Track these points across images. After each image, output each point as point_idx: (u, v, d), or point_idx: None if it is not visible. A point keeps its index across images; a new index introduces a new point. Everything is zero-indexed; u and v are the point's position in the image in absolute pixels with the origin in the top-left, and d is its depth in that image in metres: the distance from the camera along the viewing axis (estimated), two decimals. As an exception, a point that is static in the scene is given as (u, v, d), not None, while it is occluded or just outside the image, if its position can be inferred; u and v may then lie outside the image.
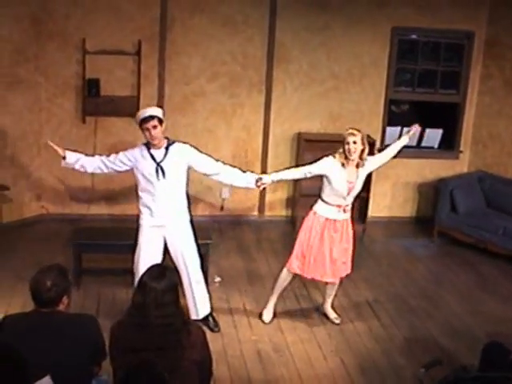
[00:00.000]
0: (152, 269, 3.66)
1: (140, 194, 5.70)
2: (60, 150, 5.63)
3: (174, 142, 5.56)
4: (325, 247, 5.74)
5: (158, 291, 3.47)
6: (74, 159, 5.66)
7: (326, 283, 6.04)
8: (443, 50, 8.63)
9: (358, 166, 5.66)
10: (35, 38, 7.61)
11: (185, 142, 5.68)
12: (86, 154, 5.81)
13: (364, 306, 6.49)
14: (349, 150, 5.54)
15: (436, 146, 9.12)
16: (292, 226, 8.34)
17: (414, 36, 8.61)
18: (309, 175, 5.81)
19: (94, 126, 8.01)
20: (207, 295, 5.87)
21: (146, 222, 5.67)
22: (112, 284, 6.47)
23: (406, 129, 6.08)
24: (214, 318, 5.90)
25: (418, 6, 8.29)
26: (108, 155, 5.70)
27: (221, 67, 8.14)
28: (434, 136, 9.09)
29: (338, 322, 6.11)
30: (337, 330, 6.00)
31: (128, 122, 8.05)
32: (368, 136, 8.41)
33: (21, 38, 7.49)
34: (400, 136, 6.15)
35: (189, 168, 5.61)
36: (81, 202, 8.24)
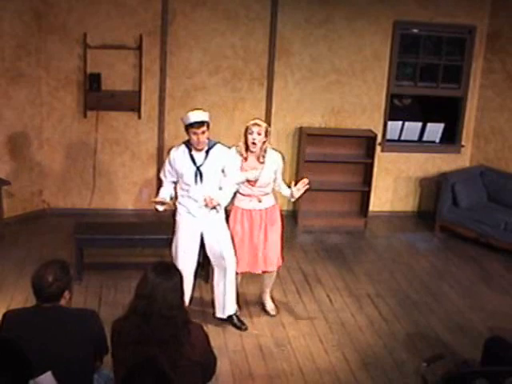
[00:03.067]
0: (160, 266, 3.67)
1: (178, 190, 5.67)
2: (161, 199, 5.56)
3: (214, 144, 5.52)
4: (244, 238, 5.75)
5: (165, 287, 3.49)
6: (168, 198, 5.62)
7: (264, 272, 5.97)
8: (445, 44, 8.61)
9: (258, 158, 5.66)
10: (37, 32, 7.60)
11: (229, 146, 5.67)
12: (158, 188, 5.83)
13: (366, 301, 6.49)
14: (252, 141, 5.57)
15: (438, 140, 9.13)
16: (294, 220, 8.35)
17: (415, 30, 8.59)
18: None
19: (96, 121, 8.00)
20: (235, 295, 5.85)
21: (183, 218, 5.63)
22: (114, 278, 6.47)
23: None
24: (238, 317, 5.87)
25: (419, 0, 8.27)
26: (163, 174, 5.68)
27: (222, 61, 8.13)
28: (435, 130, 9.09)
29: (273, 313, 6.06)
30: (338, 324, 6.00)
31: (129, 117, 8.06)
32: (369, 130, 8.46)
33: (23, 32, 7.48)
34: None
35: (222, 170, 5.56)
36: (82, 196, 8.24)
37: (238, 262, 5.75)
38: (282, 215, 5.99)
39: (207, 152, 5.46)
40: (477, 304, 6.55)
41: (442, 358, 4.51)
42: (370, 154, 8.32)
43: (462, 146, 8.92)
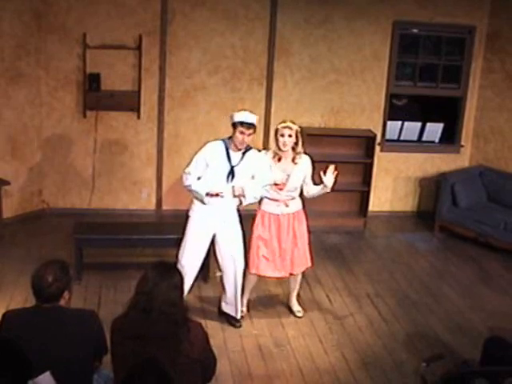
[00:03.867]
0: (160, 265, 3.68)
1: None
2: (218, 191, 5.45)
3: (250, 148, 5.52)
4: (273, 242, 5.75)
5: (165, 286, 3.50)
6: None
7: (291, 275, 5.98)
8: (444, 44, 8.62)
9: (293, 160, 5.67)
10: (36, 32, 7.60)
11: (259, 150, 5.70)
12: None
13: (365, 301, 6.49)
14: (283, 142, 5.56)
15: (437, 140, 9.13)
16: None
17: (415, 30, 8.59)
18: None
19: (95, 121, 8.00)
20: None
21: (197, 214, 5.59)
22: (113, 279, 6.47)
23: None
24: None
25: (419, 0, 8.27)
26: (194, 167, 5.48)
27: (222, 61, 8.13)
28: (435, 130, 9.09)
29: (300, 315, 6.09)
30: (338, 324, 6.00)
31: (129, 117, 8.06)
32: (369, 130, 8.46)
33: (22, 32, 7.48)
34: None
35: (253, 176, 5.55)
36: (82, 196, 8.24)
37: (257, 267, 5.78)
38: (306, 218, 5.97)
39: (244, 153, 5.46)
40: (476, 304, 6.55)
41: (441, 358, 4.51)
42: (370, 153, 8.32)
43: (462, 146, 8.92)
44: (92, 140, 8.08)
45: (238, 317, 5.82)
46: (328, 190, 5.75)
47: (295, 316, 6.08)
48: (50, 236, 7.44)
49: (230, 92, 8.23)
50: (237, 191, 5.44)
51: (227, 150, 5.44)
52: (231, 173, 5.43)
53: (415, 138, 9.14)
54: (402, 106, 9.31)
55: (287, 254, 5.80)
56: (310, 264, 6.04)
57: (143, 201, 8.34)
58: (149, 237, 6.58)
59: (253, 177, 5.53)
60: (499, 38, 8.40)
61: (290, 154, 5.66)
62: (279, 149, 5.62)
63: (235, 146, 5.41)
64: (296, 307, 6.15)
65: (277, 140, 5.62)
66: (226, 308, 5.87)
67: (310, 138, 8.21)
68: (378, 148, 8.50)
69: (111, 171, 8.25)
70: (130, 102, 7.96)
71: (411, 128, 9.15)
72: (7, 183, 7.39)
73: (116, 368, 3.59)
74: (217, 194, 5.43)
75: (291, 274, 5.96)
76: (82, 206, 8.24)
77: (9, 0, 7.29)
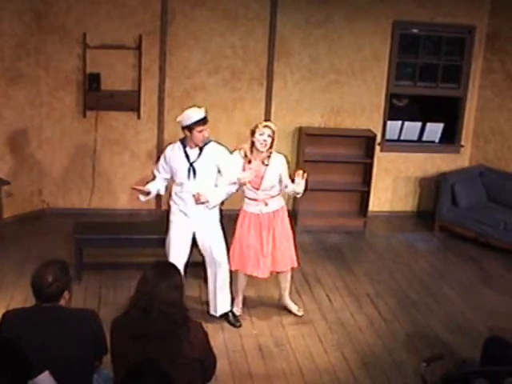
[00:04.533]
0: (160, 264, 3.69)
1: (172, 189, 5.71)
2: (145, 189, 5.63)
3: (209, 142, 5.54)
4: (254, 241, 5.75)
5: (165, 285, 3.51)
6: (154, 191, 5.68)
7: (277, 273, 5.99)
8: (444, 44, 8.60)
9: (263, 162, 5.66)
10: (36, 32, 7.60)
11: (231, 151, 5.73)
12: (147, 182, 5.81)
13: (365, 300, 6.49)
14: (262, 142, 5.57)
15: (437, 140, 9.12)
16: (294, 220, 8.32)
17: (415, 30, 8.59)
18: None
19: (95, 121, 8.00)
20: (230, 294, 5.90)
21: (176, 217, 5.69)
22: (113, 278, 6.48)
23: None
24: (233, 314, 5.92)
25: (419, 0, 8.27)
26: (157, 169, 5.73)
27: (222, 61, 8.13)
28: (435, 130, 9.09)
29: (300, 313, 6.09)
30: (338, 324, 6.00)
31: (129, 117, 8.06)
32: (369, 130, 8.46)
33: (22, 32, 7.47)
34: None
35: (219, 170, 5.59)
36: (82, 196, 8.24)
37: (244, 265, 5.79)
38: (290, 215, 5.97)
39: (201, 149, 5.49)
40: (476, 304, 6.55)
41: (441, 358, 4.50)
42: (370, 153, 8.32)
43: (462, 146, 8.92)
44: (92, 140, 8.07)
45: (217, 315, 5.84)
46: (299, 195, 5.83)
47: (296, 315, 6.07)
48: (50, 236, 7.44)
49: (230, 92, 8.23)
50: (198, 199, 5.48)
51: (184, 148, 5.49)
52: (191, 169, 5.47)
53: (415, 138, 9.13)
54: (402, 106, 9.31)
55: (268, 253, 5.79)
56: (295, 264, 6.02)
57: (143, 201, 8.32)
58: (148, 237, 6.58)
59: (219, 170, 5.55)
60: (499, 38, 8.40)
61: (262, 155, 5.65)
62: (257, 149, 5.61)
63: (194, 143, 5.45)
64: (293, 307, 6.13)
65: (253, 141, 5.60)
66: (209, 308, 5.93)
67: (309, 138, 8.24)
68: (378, 148, 8.50)
69: (111, 171, 8.25)
70: (129, 102, 7.96)
71: (411, 128, 9.15)
72: (7, 183, 7.39)
73: (116, 368, 3.59)
74: (146, 193, 5.62)
75: (277, 273, 5.96)
76: (81, 205, 8.23)
77: (9, 0, 7.29)
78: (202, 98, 8.15)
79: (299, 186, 5.66)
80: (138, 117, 8.07)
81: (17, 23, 7.41)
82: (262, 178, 5.67)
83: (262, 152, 5.62)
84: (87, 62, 7.74)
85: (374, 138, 8.28)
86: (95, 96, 7.85)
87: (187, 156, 5.49)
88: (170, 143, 5.75)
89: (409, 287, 6.85)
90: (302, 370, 5.26)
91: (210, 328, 5.49)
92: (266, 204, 5.76)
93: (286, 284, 6.08)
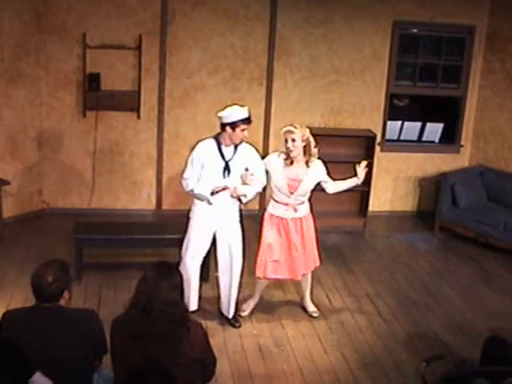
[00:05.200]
0: (160, 265, 3.69)
1: None
2: (224, 186, 5.46)
3: (241, 142, 5.49)
4: (282, 246, 5.73)
5: (165, 285, 3.51)
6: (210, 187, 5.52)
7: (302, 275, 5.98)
8: (444, 44, 8.61)
9: (307, 163, 5.62)
10: (36, 32, 7.60)
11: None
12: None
13: (365, 300, 6.49)
14: (288, 148, 5.52)
15: (437, 140, 9.13)
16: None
17: (415, 30, 8.59)
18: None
19: (95, 121, 8.00)
20: (237, 295, 5.90)
21: (198, 215, 5.61)
22: (113, 278, 6.47)
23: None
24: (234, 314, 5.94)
25: (419, 0, 8.27)
26: (188, 176, 5.49)
27: (222, 61, 8.13)
28: (435, 130, 9.09)
29: (316, 315, 6.08)
30: (338, 324, 6.00)
31: (129, 117, 8.06)
32: (369, 130, 8.46)
33: (22, 31, 7.47)
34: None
35: (246, 169, 5.53)
36: (82, 196, 8.24)
37: (264, 271, 5.76)
38: (314, 219, 5.96)
39: (235, 147, 5.45)
40: (476, 304, 6.55)
41: (441, 358, 4.51)
42: (370, 153, 8.31)
43: (462, 146, 8.92)
44: (92, 140, 8.07)
45: (230, 316, 5.82)
46: (359, 182, 5.86)
47: (311, 316, 6.06)
48: (50, 236, 7.43)
49: (230, 92, 8.23)
50: (235, 193, 5.46)
51: (219, 146, 5.45)
52: (226, 168, 5.44)
53: (415, 138, 9.14)
54: (402, 106, 9.32)
55: (296, 258, 5.77)
56: (318, 263, 6.03)
57: (143, 201, 8.34)
58: (149, 237, 6.58)
59: (247, 169, 5.50)
60: (499, 38, 8.40)
61: (302, 157, 5.60)
62: (287, 154, 5.58)
63: (232, 141, 5.40)
64: (311, 308, 6.14)
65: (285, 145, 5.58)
66: (221, 307, 5.90)
67: (309, 138, 8.22)
68: (378, 148, 8.50)
69: (111, 171, 8.24)
70: (129, 102, 7.96)
71: (411, 128, 9.15)
72: (7, 183, 7.39)
73: (116, 368, 3.59)
74: (223, 189, 5.43)
75: (302, 275, 5.96)
76: (81, 205, 8.23)
77: (9, 0, 7.29)
78: (201, 98, 8.16)
79: (363, 171, 5.76)
80: (138, 117, 8.07)
81: (17, 23, 7.41)
82: (300, 181, 5.63)
83: (296, 156, 5.55)
84: (87, 61, 7.74)
85: (374, 137, 8.28)
86: (95, 96, 7.85)
87: (222, 154, 5.43)
88: (200, 140, 5.58)
89: (409, 287, 6.85)
90: (301, 370, 5.26)
91: (209, 328, 5.50)
92: (296, 210, 5.73)
93: (307, 285, 6.09)
